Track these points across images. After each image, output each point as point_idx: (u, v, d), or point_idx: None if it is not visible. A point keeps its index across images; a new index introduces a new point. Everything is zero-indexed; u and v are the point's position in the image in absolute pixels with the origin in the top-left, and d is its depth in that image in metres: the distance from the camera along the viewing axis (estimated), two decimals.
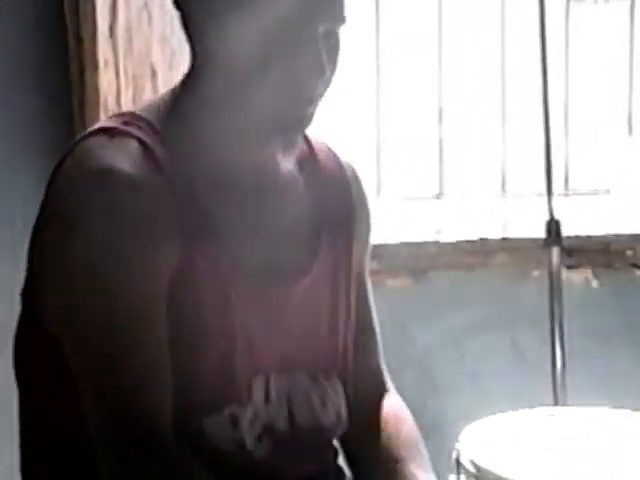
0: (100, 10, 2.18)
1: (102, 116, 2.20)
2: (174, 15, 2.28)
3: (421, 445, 1.49)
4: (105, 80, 2.20)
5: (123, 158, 1.26)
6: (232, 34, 1.27)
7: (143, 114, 1.34)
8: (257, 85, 1.28)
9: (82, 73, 2.21)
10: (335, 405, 1.44)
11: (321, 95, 1.32)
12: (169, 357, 1.27)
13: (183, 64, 2.24)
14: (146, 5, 2.23)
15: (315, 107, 1.33)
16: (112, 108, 2.21)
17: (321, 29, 1.28)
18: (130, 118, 1.33)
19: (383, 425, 1.51)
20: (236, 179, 1.35)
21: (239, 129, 1.34)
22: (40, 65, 2.26)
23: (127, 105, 2.24)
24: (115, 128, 1.30)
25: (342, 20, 1.30)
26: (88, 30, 2.18)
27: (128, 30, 2.22)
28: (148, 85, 2.25)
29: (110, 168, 1.25)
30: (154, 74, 2.25)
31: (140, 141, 1.29)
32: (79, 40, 2.20)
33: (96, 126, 1.33)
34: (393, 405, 1.55)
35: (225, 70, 1.30)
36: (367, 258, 1.54)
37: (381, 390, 1.56)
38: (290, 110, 1.31)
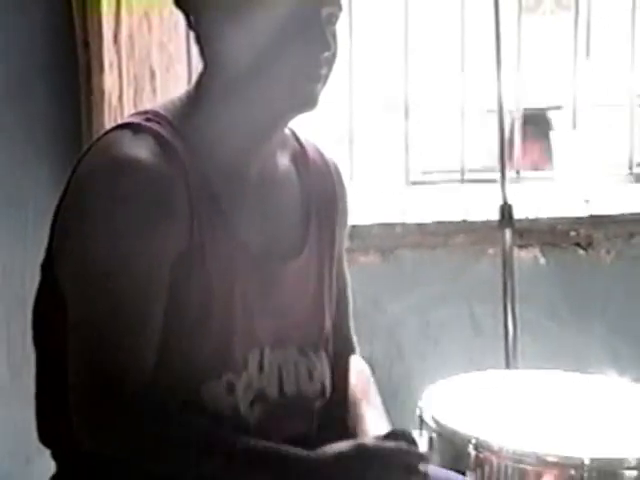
0: (105, 19, 2.31)
1: (106, 112, 2.32)
2: (172, 23, 2.46)
3: (373, 391, 1.58)
4: (109, 81, 2.33)
5: (142, 149, 1.33)
6: (242, 24, 1.34)
7: (163, 112, 1.41)
8: (270, 70, 1.35)
9: (89, 75, 2.33)
10: (320, 377, 1.51)
11: (327, 75, 1.39)
12: (160, 318, 1.31)
13: (179, 67, 2.45)
14: (146, 15, 2.35)
15: (323, 85, 1.39)
16: (115, 106, 2.33)
17: (324, 13, 1.37)
18: (152, 115, 1.40)
19: (349, 379, 1.58)
20: (243, 170, 1.43)
21: (250, 121, 1.40)
22: (51, 68, 2.37)
23: (128, 103, 2.35)
24: (138, 124, 1.38)
25: (340, 7, 1.40)
26: (95, 37, 2.31)
27: (130, 37, 2.34)
28: (147, 85, 2.37)
29: (127, 156, 1.32)
30: (153, 76, 2.37)
31: (160, 135, 1.36)
32: (86, 45, 2.33)
33: (121, 122, 1.42)
34: (356, 364, 1.62)
35: (237, 61, 1.35)
36: (345, 239, 1.62)
37: (349, 351, 1.62)
38: (303, 86, 1.37)
